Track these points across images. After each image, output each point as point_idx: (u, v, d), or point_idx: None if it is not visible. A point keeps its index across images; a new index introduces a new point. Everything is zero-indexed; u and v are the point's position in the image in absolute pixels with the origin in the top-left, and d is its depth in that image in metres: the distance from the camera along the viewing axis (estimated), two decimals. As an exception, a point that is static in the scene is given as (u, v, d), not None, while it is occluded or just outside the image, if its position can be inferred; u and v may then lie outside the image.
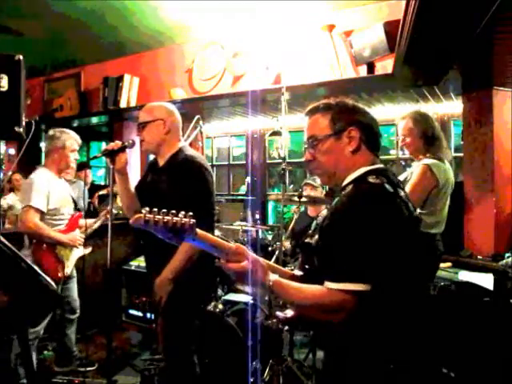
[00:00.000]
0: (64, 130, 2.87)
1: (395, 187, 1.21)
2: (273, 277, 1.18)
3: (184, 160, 2.06)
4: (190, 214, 1.13)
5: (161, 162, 2.14)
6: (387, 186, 1.18)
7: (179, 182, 1.99)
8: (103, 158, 2.04)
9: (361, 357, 1.17)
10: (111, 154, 1.97)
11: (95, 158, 2.27)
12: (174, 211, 1.11)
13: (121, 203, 2.21)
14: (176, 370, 2.09)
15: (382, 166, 1.27)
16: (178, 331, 2.05)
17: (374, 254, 1.10)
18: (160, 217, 1.09)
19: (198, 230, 1.15)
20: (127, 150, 2.02)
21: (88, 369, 2.97)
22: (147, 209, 1.09)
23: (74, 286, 3.02)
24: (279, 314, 1.38)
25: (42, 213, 2.63)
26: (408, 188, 2.29)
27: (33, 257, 2.60)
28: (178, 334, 2.05)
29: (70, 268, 2.84)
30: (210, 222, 2.04)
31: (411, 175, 2.44)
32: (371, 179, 1.19)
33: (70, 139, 2.83)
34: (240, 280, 1.19)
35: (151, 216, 1.08)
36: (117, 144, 1.99)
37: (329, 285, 1.12)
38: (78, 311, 3.04)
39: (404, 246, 1.15)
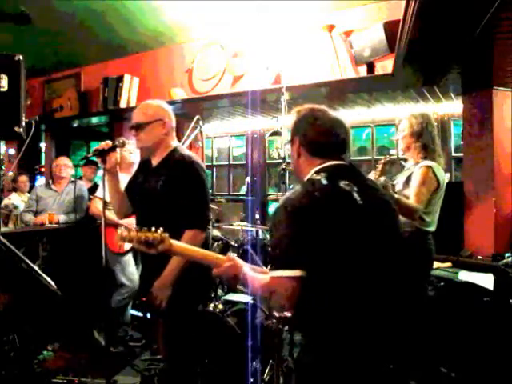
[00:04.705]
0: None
1: (335, 180, 1.26)
2: (245, 270, 1.36)
3: (180, 160, 2.04)
4: (161, 229, 1.35)
5: (154, 162, 2.11)
6: (323, 180, 1.25)
7: (175, 182, 1.98)
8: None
9: (317, 346, 1.26)
10: (102, 154, 1.98)
11: (86, 158, 2.28)
12: (146, 228, 1.35)
13: (111, 205, 2.22)
14: (178, 371, 2.08)
15: (334, 163, 1.33)
16: (180, 332, 2.04)
17: (300, 242, 1.18)
18: (134, 234, 1.34)
19: (174, 242, 1.37)
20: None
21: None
22: (123, 228, 1.34)
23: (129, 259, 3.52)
24: (276, 314, 1.49)
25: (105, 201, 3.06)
26: (413, 190, 2.38)
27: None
28: (179, 334, 2.05)
29: (129, 245, 3.31)
30: (205, 223, 2.03)
31: (410, 176, 2.47)
32: (313, 176, 1.30)
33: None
34: (230, 280, 1.39)
35: (126, 234, 1.35)
36: (107, 144, 1.99)
37: (269, 273, 1.25)
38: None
39: (339, 235, 1.20)
